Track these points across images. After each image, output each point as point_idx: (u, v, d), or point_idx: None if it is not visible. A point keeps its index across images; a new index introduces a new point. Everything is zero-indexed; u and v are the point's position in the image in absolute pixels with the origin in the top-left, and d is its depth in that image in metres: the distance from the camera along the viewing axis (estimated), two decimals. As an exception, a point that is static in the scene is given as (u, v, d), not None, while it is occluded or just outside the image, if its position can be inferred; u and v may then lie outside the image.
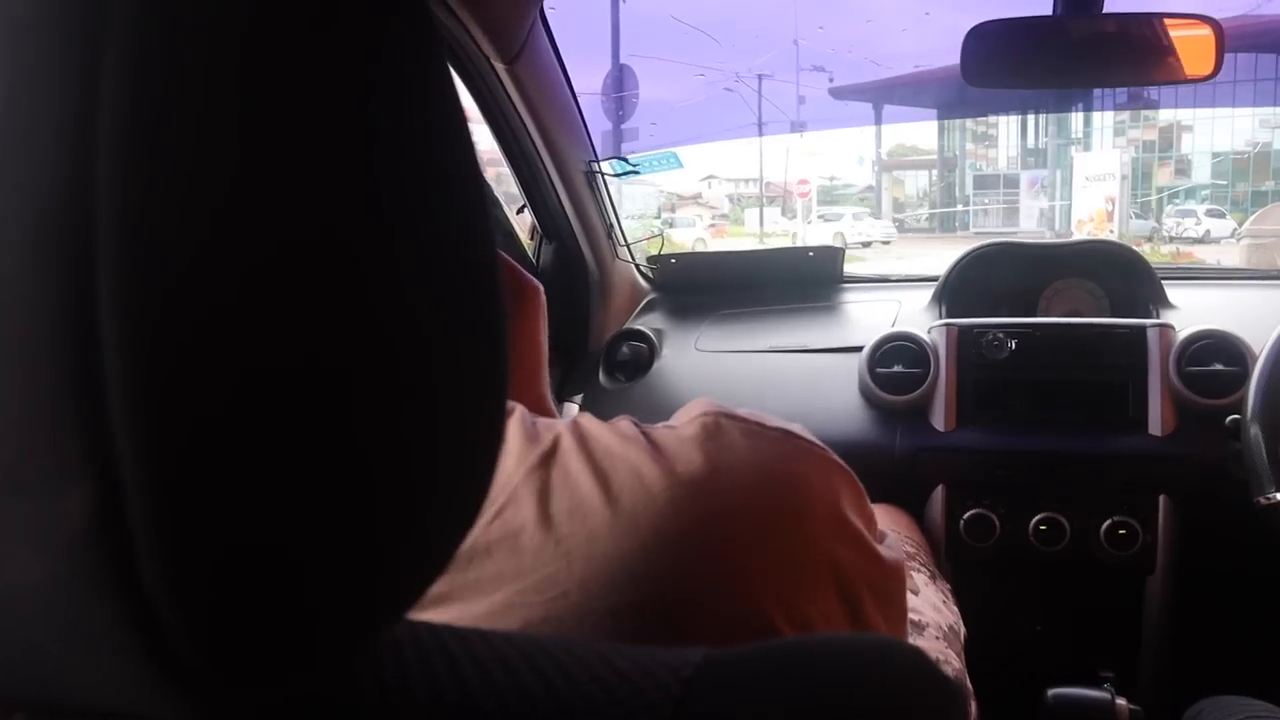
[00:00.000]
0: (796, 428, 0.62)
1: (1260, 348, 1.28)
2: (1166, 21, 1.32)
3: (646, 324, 1.96)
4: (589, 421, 0.59)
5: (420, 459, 0.28)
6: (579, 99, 1.70)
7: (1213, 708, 1.25)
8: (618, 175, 1.86)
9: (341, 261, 0.25)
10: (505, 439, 0.35)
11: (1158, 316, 1.64)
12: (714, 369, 1.80)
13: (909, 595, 0.94)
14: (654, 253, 2.07)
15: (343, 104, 0.26)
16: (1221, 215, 18.81)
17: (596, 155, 1.80)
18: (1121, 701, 1.35)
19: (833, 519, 0.59)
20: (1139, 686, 1.54)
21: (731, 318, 1.93)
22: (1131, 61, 1.32)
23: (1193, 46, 1.33)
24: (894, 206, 26.54)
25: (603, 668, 0.35)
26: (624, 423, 0.59)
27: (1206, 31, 1.31)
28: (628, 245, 1.99)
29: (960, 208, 24.24)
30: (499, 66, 1.44)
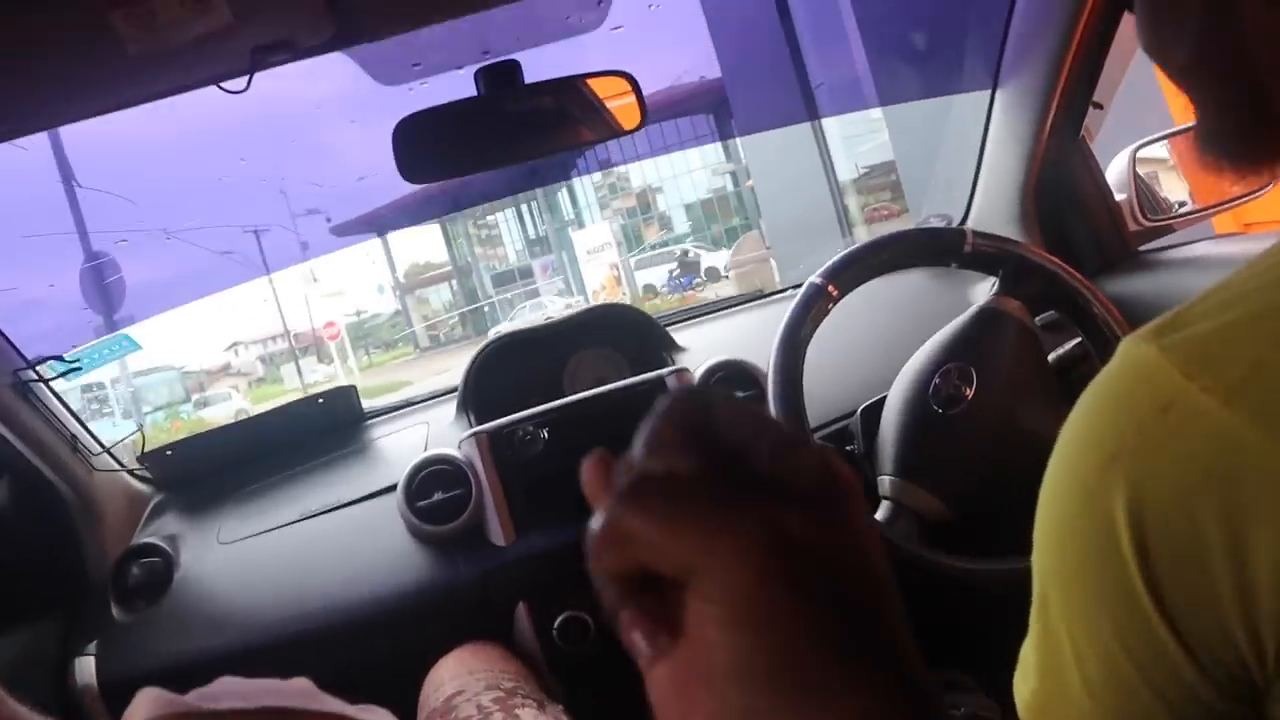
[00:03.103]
0: (284, 696, 0.47)
1: (766, 365, 1.31)
2: (589, 82, 1.32)
3: (157, 533, 1.67)
4: None
5: None
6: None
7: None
8: (60, 376, 1.56)
9: None
10: None
11: (673, 363, 1.65)
12: (244, 560, 1.56)
13: None
14: (148, 449, 1.78)
15: None
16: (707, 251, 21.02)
17: (27, 361, 1.51)
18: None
19: None
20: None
21: (253, 495, 1.70)
22: (566, 127, 1.31)
23: (618, 102, 1.34)
24: (425, 324, 26.79)
25: None
26: None
27: (625, 86, 1.33)
28: (108, 451, 1.69)
29: (486, 304, 25.00)
30: None
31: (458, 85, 1.31)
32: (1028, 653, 0.55)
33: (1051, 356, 1.33)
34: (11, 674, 1.44)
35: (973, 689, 1.64)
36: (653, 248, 23.70)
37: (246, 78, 1.18)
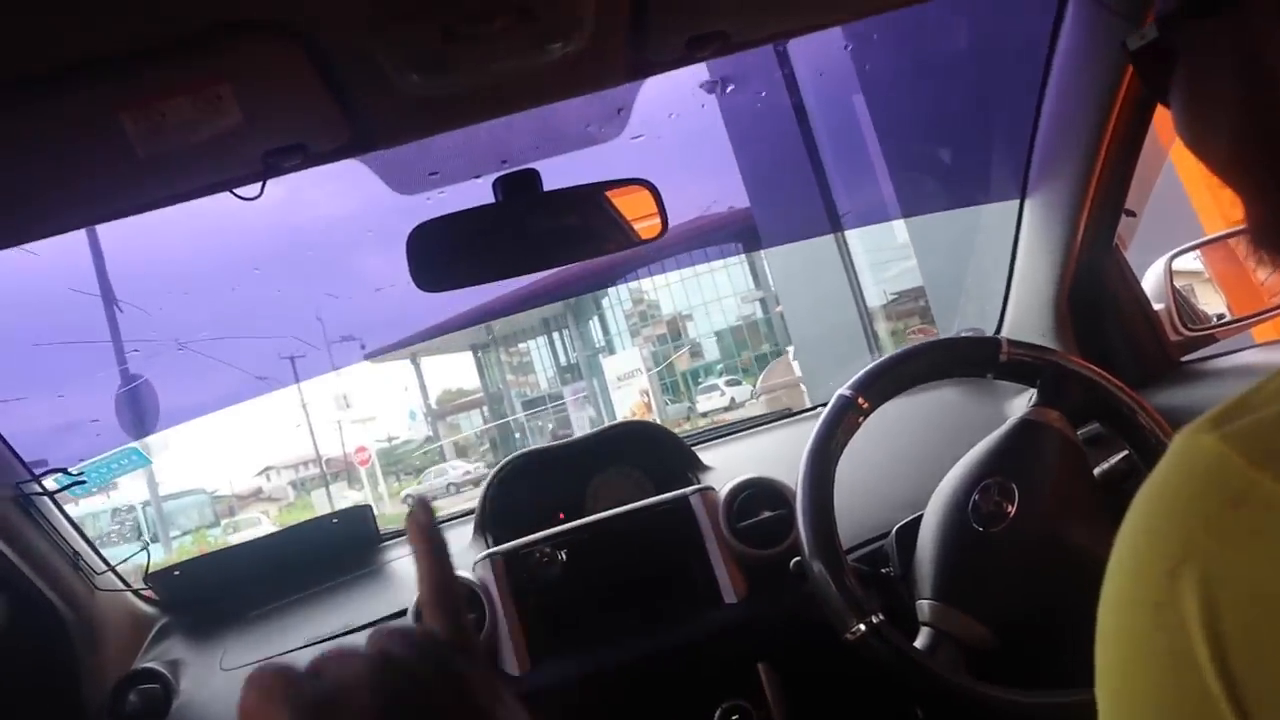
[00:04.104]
0: None
1: (795, 484, 1.24)
2: (607, 193, 1.30)
3: (159, 658, 1.60)
4: None
5: None
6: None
7: None
8: (64, 489, 1.52)
9: None
10: None
11: (698, 482, 1.59)
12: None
13: None
14: (154, 570, 1.72)
15: None
16: (738, 383, 21.10)
17: (32, 473, 1.47)
18: None
19: None
20: None
21: (261, 619, 1.63)
22: (585, 235, 1.28)
23: (637, 211, 1.32)
24: (456, 450, 26.83)
25: None
26: None
27: (645, 194, 1.31)
28: (112, 570, 1.64)
29: (515, 422, 25.07)
30: None
31: (476, 195, 1.29)
32: None
33: (1097, 471, 1.26)
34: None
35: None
36: (682, 377, 23.84)
37: (260, 183, 1.16)
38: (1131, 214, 1.53)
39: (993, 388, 1.69)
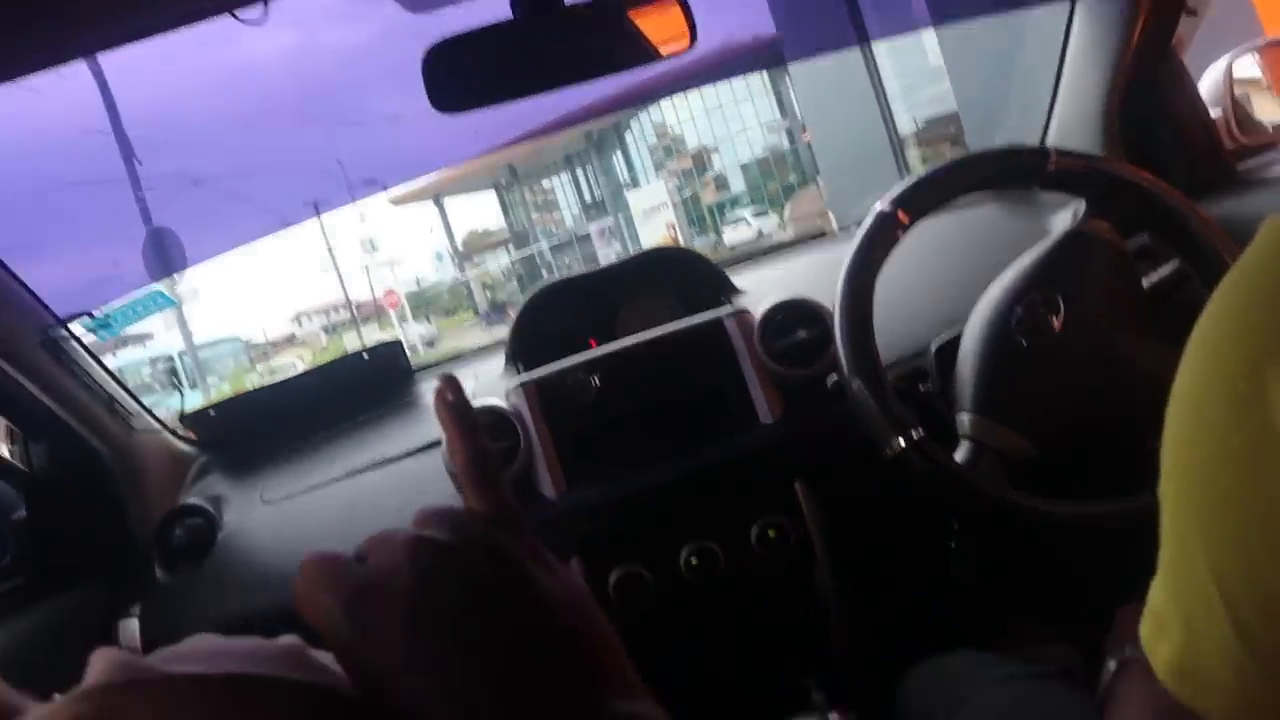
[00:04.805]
0: (260, 660, 0.41)
1: (832, 303, 1.20)
2: (631, 10, 1.22)
3: (201, 494, 1.62)
4: None
5: None
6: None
7: (921, 678, 1.15)
8: (91, 333, 1.51)
9: None
10: None
11: (731, 305, 1.55)
12: (287, 519, 1.50)
13: None
14: (188, 411, 1.73)
15: None
16: (765, 214, 20.87)
17: (59, 319, 1.45)
18: (834, 716, 1.23)
19: None
20: (846, 679, 1.43)
21: (297, 453, 1.65)
22: (608, 50, 1.21)
23: (663, 25, 1.24)
24: (484, 290, 26.95)
25: None
26: None
27: (672, 7, 1.23)
28: (147, 411, 1.65)
29: (542, 260, 25.10)
30: None
31: (494, 12, 1.22)
32: (1161, 605, 0.46)
33: (1146, 282, 1.21)
34: (58, 637, 1.41)
35: (1052, 639, 1.54)
36: (708, 209, 23.58)
37: (262, 5, 1.10)
38: (1192, 13, 1.43)
39: (1035, 204, 1.62)
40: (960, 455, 1.14)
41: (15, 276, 1.38)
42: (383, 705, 0.39)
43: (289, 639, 0.43)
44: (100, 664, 0.38)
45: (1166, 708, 0.47)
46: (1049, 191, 1.26)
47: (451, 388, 0.47)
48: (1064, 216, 1.49)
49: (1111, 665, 0.78)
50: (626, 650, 0.43)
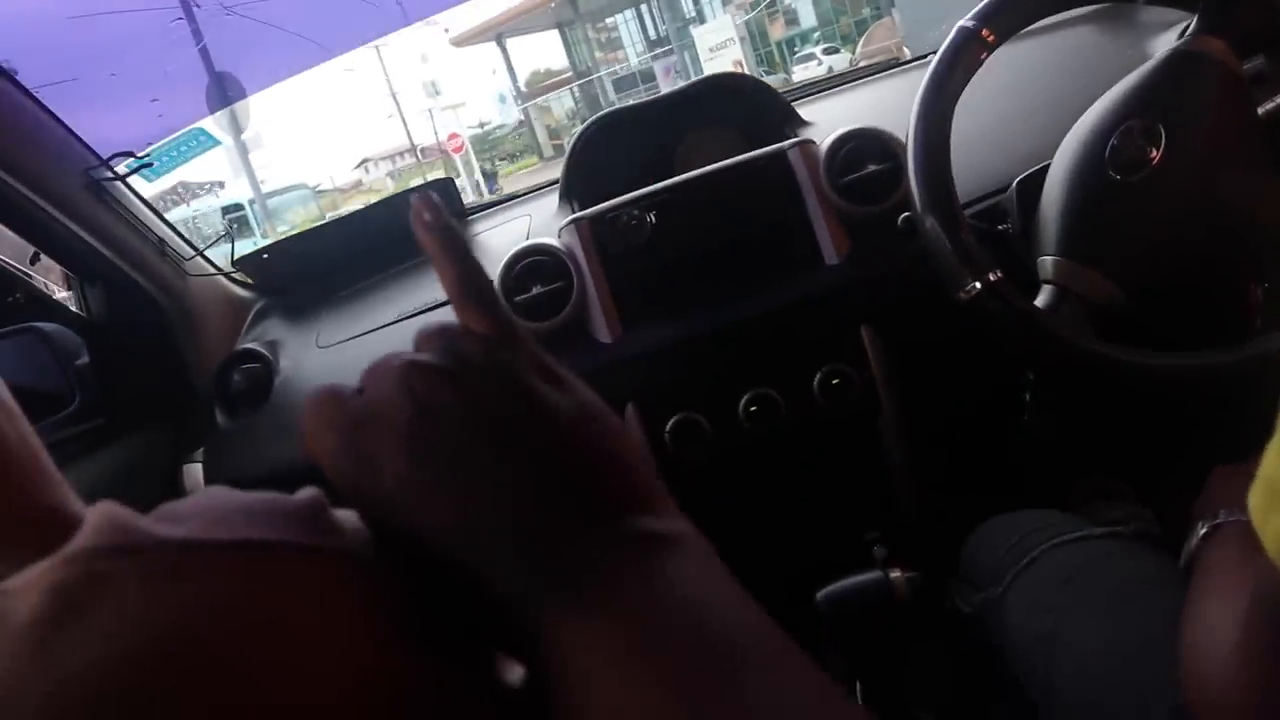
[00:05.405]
0: (273, 521, 0.39)
1: (905, 135, 1.10)
2: None
3: (259, 338, 1.61)
4: None
5: None
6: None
7: (988, 535, 1.11)
8: (134, 173, 1.47)
9: None
10: None
11: (796, 137, 1.45)
12: (342, 363, 1.48)
13: None
14: (241, 255, 1.70)
15: None
16: (836, 50, 20.09)
17: (102, 159, 1.41)
18: (896, 573, 1.18)
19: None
20: (908, 535, 1.39)
21: (350, 298, 1.62)
22: None
23: None
24: (548, 133, 26.60)
25: None
26: None
27: None
28: (200, 254, 1.62)
29: (606, 100, 24.65)
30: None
31: None
32: (1277, 474, 0.39)
33: (1261, 110, 1.08)
34: (128, 482, 1.43)
35: (1129, 497, 1.48)
36: (777, 46, 22.77)
37: None
38: None
39: (1135, 25, 1.47)
40: (1041, 300, 1.05)
41: (55, 116, 1.34)
42: (394, 559, 0.38)
43: (308, 492, 0.40)
44: (94, 522, 0.35)
45: (1271, 582, 0.42)
46: (1154, 5, 1.13)
47: (429, 207, 0.43)
48: (1168, 39, 1.36)
49: (1202, 529, 0.72)
50: (680, 500, 0.39)
